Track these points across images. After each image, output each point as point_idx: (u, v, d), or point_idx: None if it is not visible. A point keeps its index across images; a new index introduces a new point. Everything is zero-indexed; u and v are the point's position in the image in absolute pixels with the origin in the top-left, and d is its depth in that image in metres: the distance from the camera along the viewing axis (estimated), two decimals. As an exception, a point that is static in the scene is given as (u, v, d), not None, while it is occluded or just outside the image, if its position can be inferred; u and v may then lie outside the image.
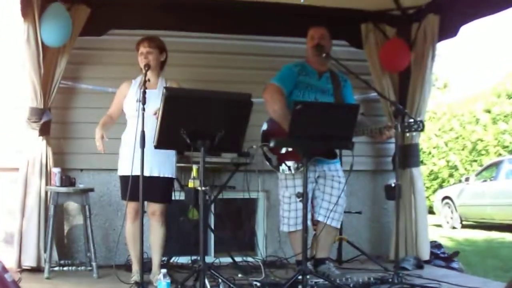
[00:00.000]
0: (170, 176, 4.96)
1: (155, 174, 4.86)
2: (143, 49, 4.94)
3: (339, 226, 5.48)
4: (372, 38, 6.49)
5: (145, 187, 4.45)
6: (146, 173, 4.62)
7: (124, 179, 4.88)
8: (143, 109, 4.37)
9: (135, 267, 5.01)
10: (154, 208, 4.95)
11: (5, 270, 3.77)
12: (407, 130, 5.07)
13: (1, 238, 5.85)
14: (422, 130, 5.17)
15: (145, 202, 4.74)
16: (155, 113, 4.39)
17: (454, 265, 6.34)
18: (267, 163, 5.27)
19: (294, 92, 5.26)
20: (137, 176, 4.41)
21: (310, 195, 5.18)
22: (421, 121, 5.12)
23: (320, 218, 5.27)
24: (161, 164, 4.88)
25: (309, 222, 5.26)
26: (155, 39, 5.03)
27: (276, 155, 5.18)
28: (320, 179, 5.29)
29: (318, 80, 5.35)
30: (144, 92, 4.39)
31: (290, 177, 5.21)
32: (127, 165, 4.74)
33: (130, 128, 4.85)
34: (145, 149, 4.38)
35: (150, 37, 5.04)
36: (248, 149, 5.53)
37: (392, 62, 6.31)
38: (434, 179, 18.72)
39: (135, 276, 4.90)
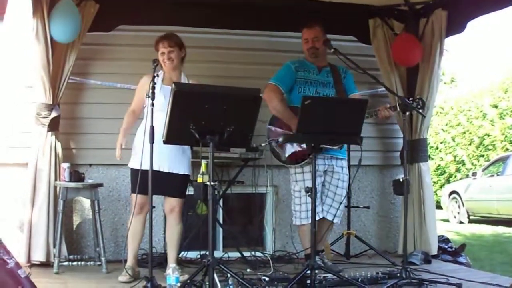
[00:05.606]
0: (188, 173, 5.03)
1: (175, 171, 4.91)
2: (163, 49, 4.95)
3: (338, 222, 5.46)
4: (380, 34, 6.49)
5: (166, 183, 4.71)
6: (165, 169, 4.83)
7: (137, 172, 4.64)
8: (152, 105, 4.35)
9: (129, 262, 5.00)
10: (173, 204, 4.97)
11: (18, 266, 3.80)
12: (409, 110, 5.01)
13: (17, 225, 5.82)
14: (423, 107, 5.10)
15: (154, 197, 4.71)
16: None
17: (462, 259, 6.36)
18: (276, 158, 5.29)
19: (294, 88, 5.32)
20: (155, 171, 4.43)
21: (319, 189, 5.21)
22: (421, 99, 5.03)
23: (320, 214, 5.27)
24: (180, 161, 4.93)
25: (320, 215, 5.29)
26: (173, 36, 5.02)
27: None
28: (328, 173, 5.31)
29: (318, 74, 5.39)
30: (154, 87, 4.40)
31: (300, 171, 5.24)
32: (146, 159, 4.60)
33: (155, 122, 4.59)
34: (164, 145, 4.38)
35: (168, 35, 5.02)
36: (258, 146, 5.53)
37: (405, 56, 6.31)
38: (441, 174, 18.70)
39: (129, 270, 4.89)
